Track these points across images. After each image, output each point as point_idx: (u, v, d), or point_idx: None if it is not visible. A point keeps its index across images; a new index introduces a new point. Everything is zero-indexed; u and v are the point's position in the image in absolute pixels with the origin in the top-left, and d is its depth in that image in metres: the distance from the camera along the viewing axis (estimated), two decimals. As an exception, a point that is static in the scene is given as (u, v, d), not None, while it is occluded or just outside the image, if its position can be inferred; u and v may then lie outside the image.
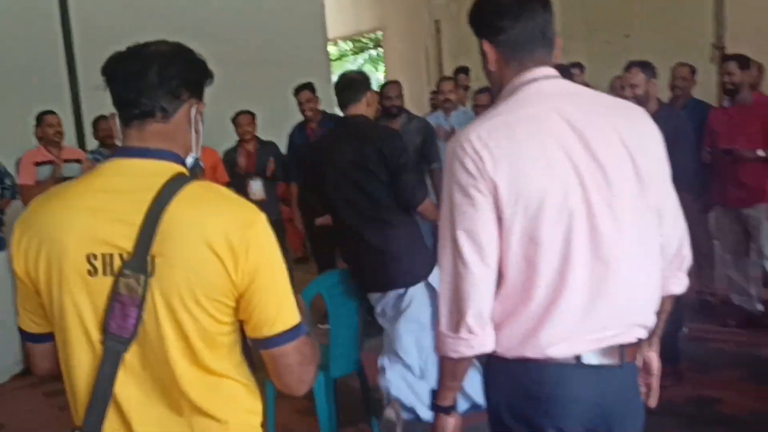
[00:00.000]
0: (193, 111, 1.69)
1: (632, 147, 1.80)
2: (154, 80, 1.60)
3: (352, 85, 3.85)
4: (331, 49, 14.66)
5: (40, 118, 6.15)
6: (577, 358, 1.79)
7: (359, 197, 3.69)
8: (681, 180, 4.29)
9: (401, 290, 3.73)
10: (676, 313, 4.55)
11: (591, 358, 1.80)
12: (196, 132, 1.71)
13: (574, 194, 1.72)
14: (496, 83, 1.92)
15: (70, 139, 7.69)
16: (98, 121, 6.62)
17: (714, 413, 4.20)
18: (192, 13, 8.63)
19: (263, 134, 6.89)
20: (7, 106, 7.75)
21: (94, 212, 1.54)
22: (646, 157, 1.82)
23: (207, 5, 8.93)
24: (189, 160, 1.71)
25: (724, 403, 4.30)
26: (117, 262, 1.53)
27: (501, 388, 1.87)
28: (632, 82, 4.62)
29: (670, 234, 1.93)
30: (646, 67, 4.67)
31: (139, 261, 1.51)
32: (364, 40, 15.53)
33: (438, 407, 1.94)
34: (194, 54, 1.70)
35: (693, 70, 5.90)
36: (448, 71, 9.21)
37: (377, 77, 17.48)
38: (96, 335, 1.55)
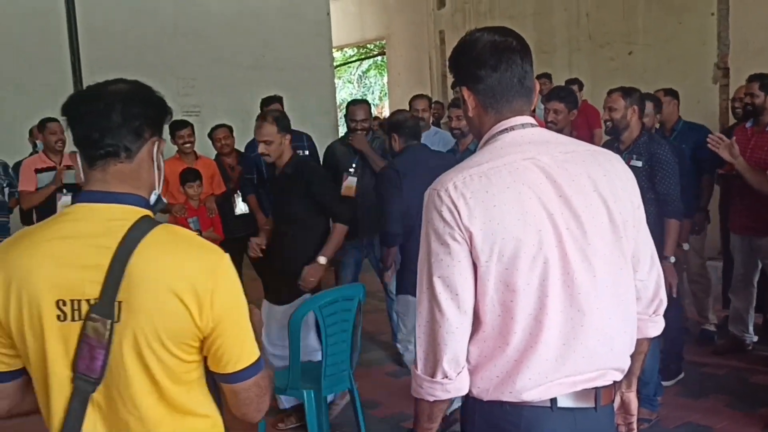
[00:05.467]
0: (155, 148, 1.71)
1: (606, 195, 1.82)
2: (117, 120, 1.63)
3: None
4: (336, 55, 14.67)
5: (43, 125, 6.10)
6: (553, 401, 1.81)
7: None
8: (666, 205, 4.30)
9: None
10: (674, 333, 4.61)
11: (566, 402, 1.82)
12: (158, 169, 1.74)
13: (548, 243, 1.74)
14: (475, 129, 1.95)
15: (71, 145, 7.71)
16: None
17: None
18: (188, 15, 8.65)
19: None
20: (7, 111, 7.69)
21: (60, 259, 1.57)
22: (620, 204, 1.84)
23: (205, 7, 8.93)
24: (152, 198, 1.73)
25: (714, 430, 4.30)
26: (84, 308, 1.57)
27: (478, 426, 1.89)
28: (611, 105, 4.36)
29: (646, 279, 1.96)
30: (630, 94, 4.38)
31: (106, 306, 1.56)
32: (369, 46, 15.54)
33: None
34: (153, 92, 1.72)
35: (669, 92, 5.62)
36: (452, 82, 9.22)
37: (382, 83, 17.49)
38: (67, 375, 1.59)
